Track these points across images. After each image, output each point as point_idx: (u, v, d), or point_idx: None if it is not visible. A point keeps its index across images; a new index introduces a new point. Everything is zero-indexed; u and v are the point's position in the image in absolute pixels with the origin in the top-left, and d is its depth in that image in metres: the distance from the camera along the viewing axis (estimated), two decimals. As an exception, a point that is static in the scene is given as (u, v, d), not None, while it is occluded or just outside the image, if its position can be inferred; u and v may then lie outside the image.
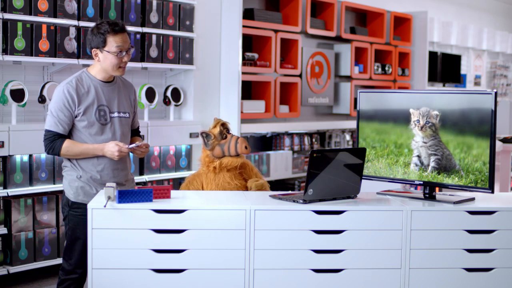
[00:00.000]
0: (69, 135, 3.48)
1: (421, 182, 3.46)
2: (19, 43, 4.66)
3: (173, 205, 3.10)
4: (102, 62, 3.49)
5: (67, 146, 3.42)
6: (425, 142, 3.43)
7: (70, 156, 3.46)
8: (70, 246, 3.50)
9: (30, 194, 4.78)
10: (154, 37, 5.56)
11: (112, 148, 3.42)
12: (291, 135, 7.10)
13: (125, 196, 3.07)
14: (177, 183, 5.72)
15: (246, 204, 3.16)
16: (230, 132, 3.89)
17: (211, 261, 3.09)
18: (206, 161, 3.85)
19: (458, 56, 10.31)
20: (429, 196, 3.45)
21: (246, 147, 3.82)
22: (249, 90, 6.71)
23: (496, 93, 3.24)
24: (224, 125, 3.87)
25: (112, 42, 3.44)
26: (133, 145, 3.49)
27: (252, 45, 6.68)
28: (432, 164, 3.42)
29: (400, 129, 3.52)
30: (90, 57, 4.90)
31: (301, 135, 7.23)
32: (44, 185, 4.84)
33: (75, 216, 3.48)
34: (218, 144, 3.81)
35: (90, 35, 3.49)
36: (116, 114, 3.56)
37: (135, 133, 3.80)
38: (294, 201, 3.24)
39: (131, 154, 3.80)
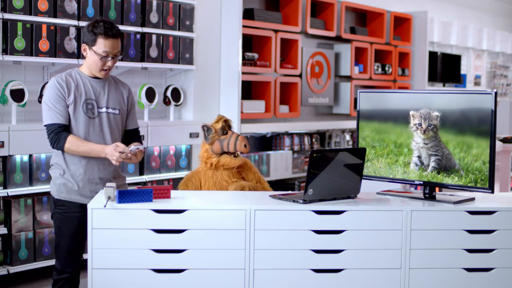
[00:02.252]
0: None
1: (421, 182, 3.46)
2: (19, 43, 4.66)
3: (173, 205, 3.10)
4: (87, 59, 3.50)
5: (71, 140, 3.37)
6: (425, 144, 3.43)
7: (72, 153, 3.42)
8: (57, 245, 3.49)
9: (30, 194, 4.78)
10: (154, 37, 5.56)
11: (112, 151, 3.33)
12: (291, 135, 7.10)
13: (125, 196, 3.07)
14: (177, 183, 5.69)
15: (246, 204, 3.16)
16: (232, 129, 3.88)
17: (211, 261, 3.09)
18: (204, 156, 3.80)
19: (458, 56, 10.31)
20: (429, 196, 3.44)
21: (245, 146, 3.78)
22: (249, 90, 6.71)
23: (496, 93, 3.24)
24: (226, 122, 3.86)
25: (101, 45, 3.42)
26: (135, 147, 3.38)
27: (252, 45, 6.68)
28: (432, 164, 3.42)
29: (400, 128, 3.52)
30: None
31: (301, 135, 7.22)
32: (44, 185, 4.84)
33: (60, 214, 3.48)
34: (218, 139, 3.78)
35: (86, 29, 3.48)
36: (104, 110, 3.52)
37: (134, 134, 3.69)
38: (294, 201, 3.24)
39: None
